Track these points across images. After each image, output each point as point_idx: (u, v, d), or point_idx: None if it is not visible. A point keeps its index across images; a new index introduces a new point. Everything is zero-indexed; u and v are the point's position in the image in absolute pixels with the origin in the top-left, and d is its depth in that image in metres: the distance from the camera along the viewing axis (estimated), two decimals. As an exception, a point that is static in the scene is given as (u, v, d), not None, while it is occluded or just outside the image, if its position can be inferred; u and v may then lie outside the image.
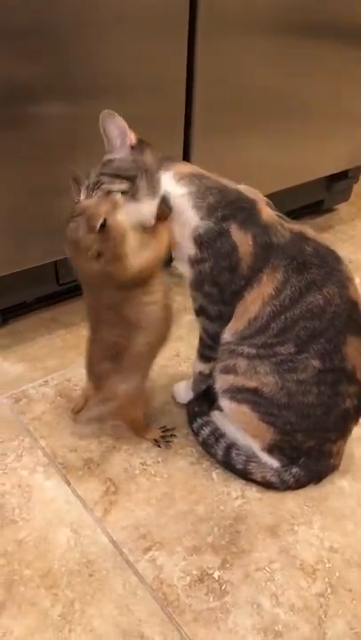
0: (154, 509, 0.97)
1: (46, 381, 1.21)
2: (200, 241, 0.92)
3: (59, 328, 1.37)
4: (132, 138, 0.91)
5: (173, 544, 0.92)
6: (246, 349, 0.95)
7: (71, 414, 1.10)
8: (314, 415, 0.94)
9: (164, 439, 1.08)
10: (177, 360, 1.29)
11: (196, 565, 0.89)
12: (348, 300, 0.92)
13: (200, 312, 1.00)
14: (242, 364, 0.95)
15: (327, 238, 1.77)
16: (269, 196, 1.50)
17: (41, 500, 0.97)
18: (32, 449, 1.06)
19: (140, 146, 0.92)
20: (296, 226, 0.95)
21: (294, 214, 1.80)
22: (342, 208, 1.96)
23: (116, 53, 1.13)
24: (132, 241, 0.88)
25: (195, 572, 0.89)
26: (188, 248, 0.94)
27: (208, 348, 1.02)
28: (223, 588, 0.87)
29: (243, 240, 0.90)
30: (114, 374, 1.00)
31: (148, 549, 0.91)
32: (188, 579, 0.88)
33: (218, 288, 0.94)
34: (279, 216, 0.95)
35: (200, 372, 1.08)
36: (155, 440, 1.08)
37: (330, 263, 0.92)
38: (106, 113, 0.90)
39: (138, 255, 0.89)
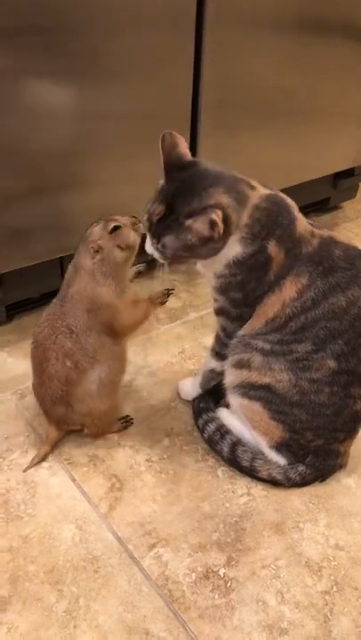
0: (159, 506, 0.97)
1: (51, 378, 1.21)
2: (234, 263, 0.91)
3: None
4: None
5: (179, 541, 0.92)
6: (261, 344, 0.95)
7: (35, 461, 1.02)
8: (324, 415, 0.94)
9: (125, 428, 1.09)
10: (182, 357, 1.29)
11: (201, 562, 0.89)
12: None
13: (221, 312, 1.00)
14: (257, 359, 0.95)
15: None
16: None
17: (46, 496, 0.97)
18: (37, 445, 1.05)
19: None
20: (326, 232, 0.95)
21: (300, 212, 1.80)
22: (348, 206, 1.95)
23: (123, 51, 1.13)
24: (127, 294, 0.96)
25: (200, 569, 0.88)
26: (219, 268, 0.93)
27: (223, 345, 1.02)
28: (229, 585, 0.87)
29: (277, 254, 0.91)
30: (73, 415, 1.00)
31: (153, 546, 0.91)
32: (194, 576, 0.88)
33: (243, 294, 0.94)
34: (310, 223, 0.95)
35: (212, 370, 1.07)
36: (118, 431, 1.09)
37: (358, 266, 0.92)
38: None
39: (126, 309, 0.96)
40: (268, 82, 1.39)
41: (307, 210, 1.82)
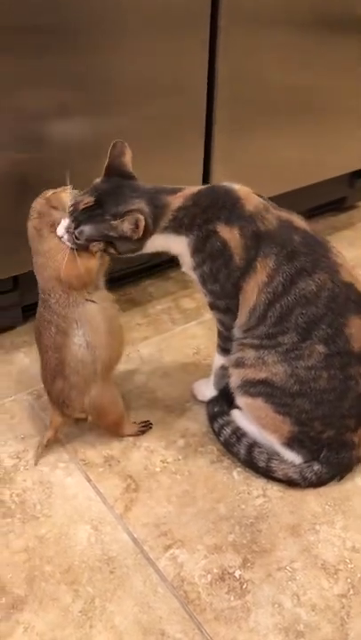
0: (174, 507, 0.97)
1: (67, 378, 1.22)
2: (193, 250, 0.96)
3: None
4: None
5: (194, 542, 0.92)
6: (250, 340, 0.97)
7: (39, 449, 1.04)
8: (328, 401, 0.94)
9: (142, 432, 1.09)
10: (196, 357, 1.29)
11: (217, 564, 0.89)
12: (343, 284, 0.94)
13: (212, 307, 1.03)
14: (250, 355, 0.97)
15: (349, 235, 1.77)
16: (291, 193, 1.50)
17: (62, 497, 0.98)
18: (53, 445, 1.06)
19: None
20: (284, 213, 0.97)
21: (316, 211, 1.79)
22: (364, 205, 1.94)
23: (138, 51, 1.13)
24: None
25: (216, 571, 0.88)
26: (187, 260, 0.98)
27: (226, 339, 1.03)
28: (244, 587, 0.86)
29: (230, 235, 0.94)
30: (71, 391, 1.00)
31: (168, 547, 0.91)
32: (209, 577, 0.87)
33: (219, 284, 0.97)
34: (267, 203, 0.97)
35: (222, 367, 1.08)
36: (135, 434, 1.08)
37: (318, 251, 0.94)
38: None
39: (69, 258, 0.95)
40: (283, 80, 1.38)
41: (323, 209, 1.81)
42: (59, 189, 0.99)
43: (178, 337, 1.35)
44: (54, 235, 0.96)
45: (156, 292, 1.49)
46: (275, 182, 1.50)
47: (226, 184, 0.98)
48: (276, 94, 1.39)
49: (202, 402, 1.16)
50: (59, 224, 0.96)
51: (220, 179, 1.37)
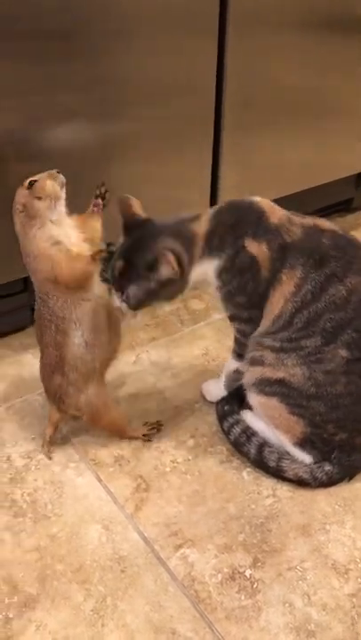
0: (185, 507, 0.97)
1: (77, 379, 1.22)
2: (222, 270, 0.96)
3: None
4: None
5: (205, 542, 0.92)
6: (270, 342, 0.97)
7: (45, 447, 1.05)
8: (343, 405, 0.94)
9: (153, 430, 1.09)
10: (205, 358, 1.29)
11: (227, 563, 0.89)
12: None
13: (233, 318, 1.03)
14: (268, 355, 0.97)
15: (357, 237, 1.76)
16: (299, 194, 1.50)
17: (73, 496, 0.98)
18: (63, 445, 1.07)
19: None
20: (309, 220, 0.97)
21: (323, 212, 1.79)
22: (372, 206, 1.94)
23: (147, 54, 1.14)
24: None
25: (226, 570, 0.89)
26: (213, 283, 0.99)
27: (243, 346, 1.03)
28: (255, 586, 0.87)
29: (259, 250, 0.94)
30: (68, 387, 1.00)
31: (179, 546, 0.91)
32: (220, 576, 0.88)
33: (246, 296, 0.97)
34: (288, 213, 0.97)
35: (236, 370, 1.08)
36: (143, 435, 1.08)
37: (349, 252, 0.93)
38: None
39: (64, 259, 0.93)
40: (291, 82, 1.39)
41: (330, 210, 1.81)
42: (43, 175, 0.95)
43: (186, 338, 1.35)
44: (40, 234, 0.94)
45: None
46: (282, 183, 1.51)
47: (246, 198, 0.97)
48: (285, 96, 1.39)
49: (211, 402, 1.16)
50: (45, 217, 0.93)
51: (229, 180, 1.39)
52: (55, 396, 1.03)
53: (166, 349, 1.31)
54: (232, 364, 1.09)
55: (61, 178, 0.96)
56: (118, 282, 0.94)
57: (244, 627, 0.82)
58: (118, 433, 1.08)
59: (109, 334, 1.01)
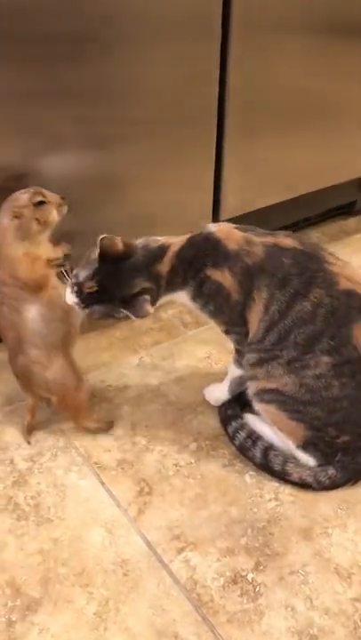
0: (187, 510, 0.97)
1: (80, 382, 1.23)
2: (194, 297, 1.00)
3: (91, 329, 1.38)
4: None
5: (207, 545, 0.92)
6: (252, 355, 0.99)
7: (25, 436, 1.08)
8: (341, 408, 0.95)
9: (97, 431, 1.09)
10: (208, 362, 1.30)
11: (229, 567, 0.90)
12: (342, 293, 0.93)
13: (227, 332, 1.05)
14: (258, 371, 0.99)
15: (359, 240, 1.76)
16: (301, 198, 1.50)
17: (75, 500, 0.98)
18: (66, 448, 1.07)
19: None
20: (270, 238, 0.97)
21: (326, 215, 1.79)
22: (375, 209, 1.94)
23: (150, 57, 1.14)
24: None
25: (228, 574, 0.89)
26: (191, 305, 1.02)
27: (243, 354, 1.03)
28: (257, 590, 0.87)
29: (222, 276, 0.96)
30: (32, 366, 1.02)
31: (181, 550, 0.91)
32: (222, 580, 0.88)
33: (227, 315, 1.00)
34: (249, 233, 0.98)
35: (240, 376, 1.09)
36: (97, 429, 1.09)
37: (311, 267, 0.94)
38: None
39: (25, 263, 0.99)
40: (294, 85, 1.39)
41: (333, 213, 1.81)
42: (51, 198, 1.01)
43: (189, 341, 1.36)
44: (19, 245, 0.99)
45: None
46: (285, 187, 1.51)
47: (204, 229, 0.99)
48: (287, 100, 1.40)
49: (214, 406, 1.16)
50: (31, 238, 0.99)
51: (232, 183, 1.39)
52: (24, 379, 1.04)
53: (169, 352, 1.32)
54: (235, 372, 1.10)
55: (64, 210, 1.02)
56: (85, 296, 0.95)
57: (247, 630, 0.82)
58: (76, 417, 1.08)
59: (65, 312, 1.02)
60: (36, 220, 1.00)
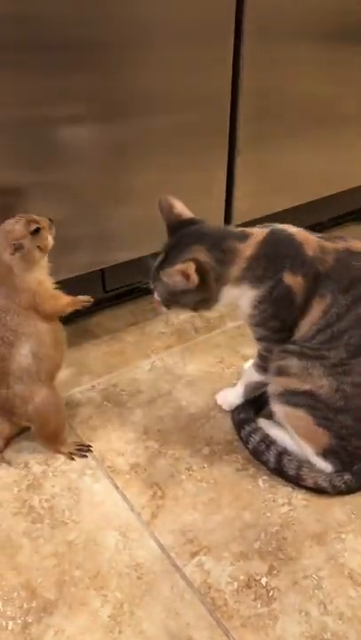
0: (200, 514, 0.98)
1: (93, 386, 1.24)
2: (259, 301, 0.96)
3: (104, 334, 1.39)
4: None
5: (220, 549, 0.93)
6: (293, 347, 0.97)
7: None
8: None
9: (80, 452, 1.08)
10: (220, 366, 1.30)
11: (243, 571, 0.90)
12: None
13: (262, 339, 1.03)
14: (293, 363, 0.96)
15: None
16: (313, 203, 1.51)
17: (89, 503, 0.99)
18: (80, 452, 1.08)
19: None
20: (340, 243, 0.97)
21: (338, 221, 1.80)
22: (386, 214, 1.94)
23: (164, 63, 1.16)
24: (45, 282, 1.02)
25: (242, 578, 0.89)
26: (247, 311, 0.99)
27: (267, 359, 1.03)
28: (271, 594, 0.87)
29: (295, 281, 0.94)
30: (15, 399, 1.02)
31: (195, 554, 0.92)
32: (236, 584, 0.88)
33: (280, 321, 0.98)
34: (321, 237, 0.97)
35: (256, 382, 1.09)
36: (70, 453, 1.07)
37: None
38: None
39: (49, 300, 1.01)
40: (306, 92, 1.40)
41: (345, 219, 1.82)
42: (43, 223, 1.00)
43: (201, 346, 1.36)
44: (29, 275, 0.99)
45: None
46: (296, 193, 1.52)
47: (285, 229, 0.97)
48: (299, 106, 1.40)
49: (226, 411, 1.17)
50: (37, 264, 1.00)
51: (244, 189, 1.40)
52: (4, 409, 1.04)
53: (181, 357, 1.32)
54: (254, 377, 1.09)
55: (54, 231, 1.03)
56: (154, 275, 0.95)
57: (261, 635, 0.82)
58: (52, 444, 1.08)
59: (56, 348, 1.04)
60: (38, 247, 1.00)
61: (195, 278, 0.91)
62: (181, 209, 0.99)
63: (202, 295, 0.95)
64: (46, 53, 1.02)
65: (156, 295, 0.99)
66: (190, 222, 0.97)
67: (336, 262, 0.94)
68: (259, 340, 1.03)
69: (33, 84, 1.03)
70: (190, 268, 0.90)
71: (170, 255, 0.95)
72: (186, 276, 0.91)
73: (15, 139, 1.06)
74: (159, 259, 0.97)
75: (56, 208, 1.16)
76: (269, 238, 0.96)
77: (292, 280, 0.94)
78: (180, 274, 0.91)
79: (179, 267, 0.91)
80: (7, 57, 0.98)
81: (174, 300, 0.97)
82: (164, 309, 1.01)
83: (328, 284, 0.93)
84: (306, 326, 0.96)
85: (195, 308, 0.99)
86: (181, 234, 0.96)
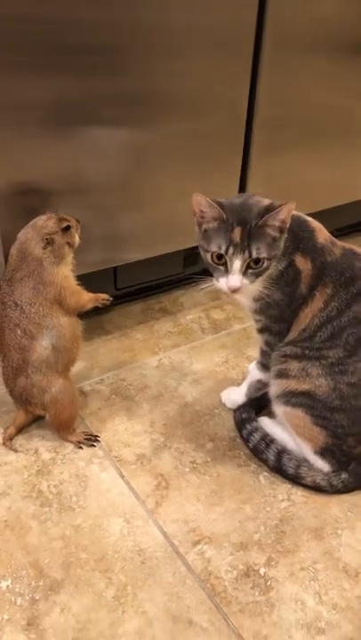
0: (203, 505, 1.01)
1: (102, 380, 1.28)
2: (271, 282, 0.98)
3: (114, 330, 1.43)
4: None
5: (221, 539, 0.96)
6: (293, 349, 1.01)
7: (4, 443, 1.11)
8: None
9: (88, 441, 1.12)
10: (225, 367, 1.34)
11: (242, 561, 0.93)
12: None
13: (263, 330, 1.07)
14: (293, 366, 1.01)
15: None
16: (323, 213, 1.55)
17: (96, 490, 1.03)
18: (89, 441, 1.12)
19: None
20: (347, 245, 1.02)
21: (346, 231, 1.84)
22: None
23: (186, 70, 1.20)
24: (70, 278, 1.08)
25: (241, 567, 0.93)
26: (257, 291, 0.99)
27: (268, 356, 1.08)
28: (268, 583, 0.91)
29: (304, 265, 0.98)
30: (32, 389, 1.07)
31: (197, 542, 0.95)
32: (235, 573, 0.92)
33: (280, 310, 1.01)
34: (331, 236, 1.02)
35: (259, 380, 1.13)
36: (78, 442, 1.11)
37: None
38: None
39: (73, 295, 1.07)
40: (319, 103, 1.44)
41: (353, 229, 1.86)
42: (72, 222, 1.07)
43: (208, 346, 1.40)
44: (57, 270, 1.05)
45: (187, 303, 1.55)
46: (306, 202, 1.55)
47: (300, 214, 1.01)
48: (313, 117, 1.45)
49: (230, 409, 1.21)
50: (65, 259, 1.06)
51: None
52: (21, 398, 1.09)
53: (188, 355, 1.36)
54: (256, 375, 1.14)
55: (79, 231, 1.10)
56: (240, 244, 0.91)
57: (258, 620, 0.86)
58: (65, 430, 1.12)
59: (73, 342, 1.08)
60: (67, 243, 1.06)
61: (288, 219, 0.92)
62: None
63: (281, 244, 0.94)
64: (74, 56, 1.06)
65: (238, 277, 0.93)
66: (236, 200, 0.96)
67: (342, 256, 0.99)
68: (260, 330, 1.07)
69: (60, 85, 1.07)
70: (292, 207, 0.91)
71: (246, 219, 0.91)
72: (288, 213, 0.91)
73: (41, 140, 1.10)
74: (236, 231, 0.91)
75: (75, 208, 1.20)
76: (291, 218, 0.96)
77: (303, 263, 0.97)
78: (288, 212, 0.91)
79: (289, 205, 0.91)
80: (37, 59, 1.02)
81: (272, 252, 0.93)
82: (247, 286, 0.95)
83: (332, 274, 0.97)
84: (307, 318, 0.99)
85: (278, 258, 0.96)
86: (239, 204, 0.94)
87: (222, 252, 0.92)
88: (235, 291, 0.94)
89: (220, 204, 0.94)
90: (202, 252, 0.97)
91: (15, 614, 0.85)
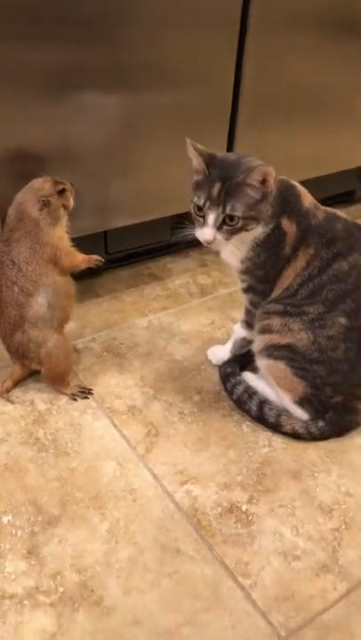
0: (190, 451, 1.09)
1: (94, 338, 1.34)
2: (258, 243, 1.05)
3: (105, 293, 1.49)
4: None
5: (207, 480, 1.04)
6: (277, 306, 1.08)
7: (2, 395, 1.17)
8: (341, 370, 1.06)
9: (82, 394, 1.18)
10: (211, 327, 1.41)
11: (226, 499, 1.01)
12: None
13: (248, 290, 1.13)
14: (275, 322, 1.07)
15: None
16: (304, 183, 1.61)
17: (90, 437, 1.10)
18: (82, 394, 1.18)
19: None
20: (329, 209, 1.08)
21: (327, 202, 1.90)
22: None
23: (171, 45, 1.24)
24: (65, 239, 1.14)
25: (225, 504, 1.00)
26: (243, 251, 1.05)
27: (252, 315, 1.14)
28: (250, 518, 0.99)
29: (290, 227, 1.04)
30: (29, 344, 1.13)
31: (184, 483, 1.03)
32: (219, 509, 1.00)
33: (265, 271, 1.08)
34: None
35: (243, 338, 1.20)
36: (73, 394, 1.17)
37: (356, 235, 1.06)
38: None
39: (68, 255, 1.13)
40: (304, 79, 1.49)
41: (333, 201, 1.92)
42: (67, 186, 1.12)
43: (195, 309, 1.47)
44: (53, 231, 1.10)
45: (175, 269, 1.61)
46: (290, 173, 1.61)
47: (288, 179, 1.07)
48: (297, 92, 1.49)
49: (216, 365, 1.28)
50: (60, 221, 1.11)
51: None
52: (17, 353, 1.15)
53: (176, 318, 1.43)
54: (240, 333, 1.21)
55: (73, 194, 1.14)
56: (216, 200, 0.96)
57: (240, 550, 0.94)
58: (57, 385, 1.18)
59: (67, 300, 1.15)
60: (63, 206, 1.12)
61: (272, 178, 0.96)
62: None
63: (264, 203, 0.99)
64: (65, 26, 1.10)
65: (212, 230, 0.99)
66: (225, 155, 1.02)
67: (324, 220, 1.05)
68: (245, 290, 1.13)
69: (52, 54, 1.11)
70: (270, 171, 0.95)
71: (229, 175, 0.96)
72: (268, 175, 0.95)
73: (36, 108, 1.14)
74: (215, 186, 0.97)
75: (67, 174, 1.25)
76: (279, 183, 1.04)
77: (289, 226, 1.04)
78: (263, 174, 0.95)
79: (262, 167, 0.95)
80: (28, 28, 1.06)
81: (251, 212, 0.98)
82: (221, 242, 1.01)
83: (315, 236, 1.04)
84: (290, 277, 1.05)
85: (259, 220, 1.00)
86: (223, 159, 1.00)
87: (200, 204, 0.99)
88: (208, 243, 1.01)
89: (211, 157, 0.99)
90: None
91: (16, 544, 0.92)
